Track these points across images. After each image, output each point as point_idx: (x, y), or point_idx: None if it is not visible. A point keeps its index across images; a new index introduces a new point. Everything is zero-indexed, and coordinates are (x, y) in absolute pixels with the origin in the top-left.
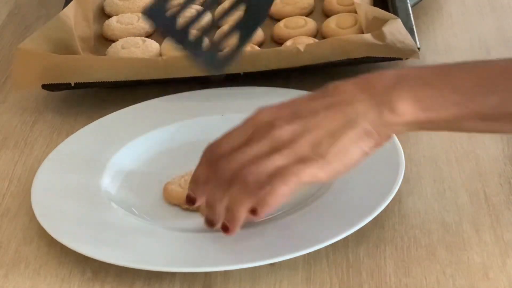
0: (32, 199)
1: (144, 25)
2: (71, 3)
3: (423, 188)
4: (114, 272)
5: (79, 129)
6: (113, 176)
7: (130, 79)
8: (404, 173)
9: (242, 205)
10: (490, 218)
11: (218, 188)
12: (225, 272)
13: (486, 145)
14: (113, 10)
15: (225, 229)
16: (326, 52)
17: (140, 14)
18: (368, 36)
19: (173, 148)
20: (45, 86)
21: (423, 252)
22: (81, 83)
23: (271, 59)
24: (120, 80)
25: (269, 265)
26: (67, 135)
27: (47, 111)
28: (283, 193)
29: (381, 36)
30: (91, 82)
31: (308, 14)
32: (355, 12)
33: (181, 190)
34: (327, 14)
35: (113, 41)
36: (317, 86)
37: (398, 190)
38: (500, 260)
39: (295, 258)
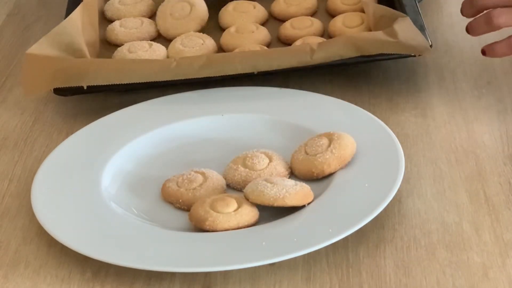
0: (32, 199)
1: (148, 28)
2: (78, 8)
3: (423, 188)
4: (114, 272)
5: (79, 129)
6: (113, 176)
7: (143, 81)
8: (404, 173)
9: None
10: (490, 218)
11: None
12: (225, 272)
13: (486, 145)
14: (114, 14)
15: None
16: (339, 50)
17: (143, 18)
18: (380, 34)
19: (173, 148)
20: (56, 91)
21: (423, 252)
22: (93, 86)
23: (285, 58)
24: (133, 82)
25: (269, 265)
26: (67, 135)
27: (47, 111)
28: None
29: (393, 33)
30: (104, 85)
31: (312, 14)
32: (360, 11)
33: (176, 189)
34: (331, 14)
35: (117, 46)
36: (316, 86)
37: (398, 190)
38: (500, 260)
39: (295, 258)
